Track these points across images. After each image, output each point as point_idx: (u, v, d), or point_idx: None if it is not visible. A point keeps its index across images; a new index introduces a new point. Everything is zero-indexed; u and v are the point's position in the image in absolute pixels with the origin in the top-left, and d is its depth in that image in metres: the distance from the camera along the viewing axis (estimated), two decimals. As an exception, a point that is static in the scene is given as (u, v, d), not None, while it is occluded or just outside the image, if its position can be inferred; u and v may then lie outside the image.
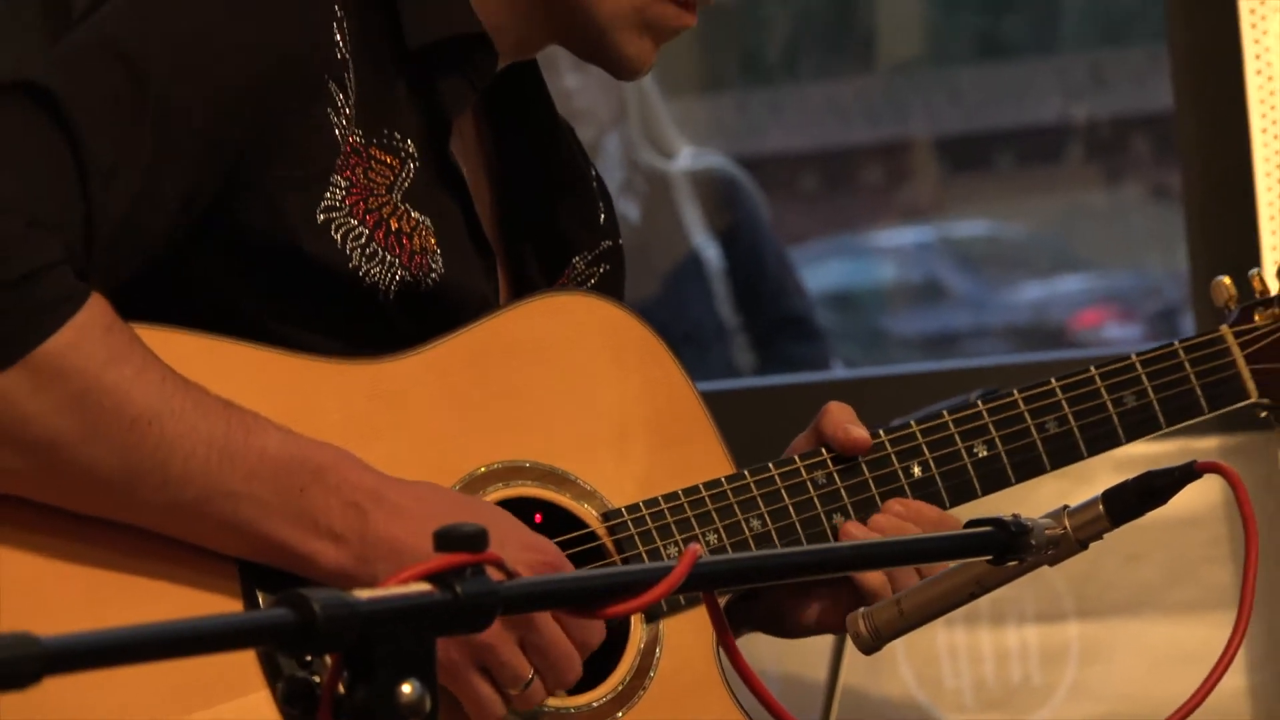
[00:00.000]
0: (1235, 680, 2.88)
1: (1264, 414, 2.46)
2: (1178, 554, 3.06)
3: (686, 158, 5.02)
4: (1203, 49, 3.08)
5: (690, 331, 4.76)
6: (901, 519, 2.39)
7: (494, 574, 1.76)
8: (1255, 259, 2.96)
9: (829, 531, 2.39)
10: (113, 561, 2.21)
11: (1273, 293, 2.47)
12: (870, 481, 2.41)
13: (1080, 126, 7.17)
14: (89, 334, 2.16)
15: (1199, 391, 2.44)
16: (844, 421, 2.42)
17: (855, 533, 2.38)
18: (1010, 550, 2.08)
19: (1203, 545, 3.05)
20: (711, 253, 4.93)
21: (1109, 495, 2.18)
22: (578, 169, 2.53)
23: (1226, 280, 2.46)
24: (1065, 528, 2.18)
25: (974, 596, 2.32)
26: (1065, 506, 2.19)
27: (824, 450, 2.41)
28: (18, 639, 1.58)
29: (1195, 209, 3.13)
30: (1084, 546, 2.20)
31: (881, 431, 2.42)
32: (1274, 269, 2.48)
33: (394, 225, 2.33)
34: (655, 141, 4.98)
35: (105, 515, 2.20)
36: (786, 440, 2.44)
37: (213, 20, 2.28)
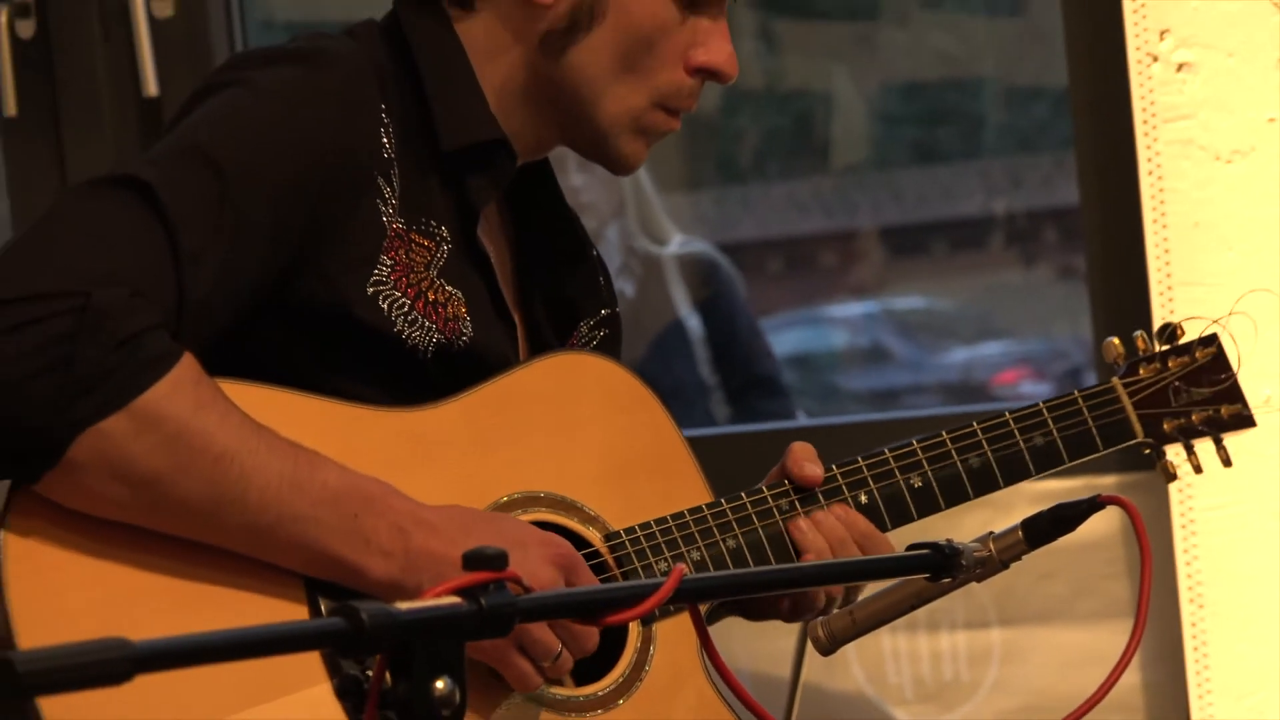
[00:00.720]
0: (1132, 677, 2.87)
1: (1148, 451, 2.45)
2: (1083, 572, 3.05)
3: (675, 244, 5.00)
4: (1104, 155, 3.08)
5: (675, 388, 4.74)
6: (839, 520, 2.36)
7: (513, 588, 1.76)
8: (1147, 328, 2.95)
9: (791, 548, 2.37)
10: (199, 576, 2.20)
11: (1154, 350, 2.46)
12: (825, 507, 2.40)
13: (1000, 219, 7.17)
14: (181, 386, 2.15)
15: (1095, 432, 2.43)
16: (802, 459, 2.40)
17: (803, 525, 2.36)
18: (945, 569, 2.07)
19: (1104, 565, 3.04)
20: (694, 322, 4.91)
21: (1027, 523, 2.17)
22: (581, 248, 2.52)
23: (1115, 340, 2.45)
24: (990, 550, 2.17)
25: (914, 608, 2.31)
26: (990, 533, 2.18)
27: (787, 482, 2.40)
28: (113, 643, 1.58)
29: (1097, 287, 3.13)
30: (1006, 566, 2.19)
31: (834, 466, 2.41)
32: (1154, 331, 2.47)
33: (431, 297, 2.32)
34: (649, 230, 4.96)
35: (195, 538, 2.19)
36: (756, 478, 2.43)
37: (280, 130, 2.26)
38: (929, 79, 6.94)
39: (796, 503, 2.38)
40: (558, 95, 2.38)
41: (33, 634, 2.12)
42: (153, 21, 3.45)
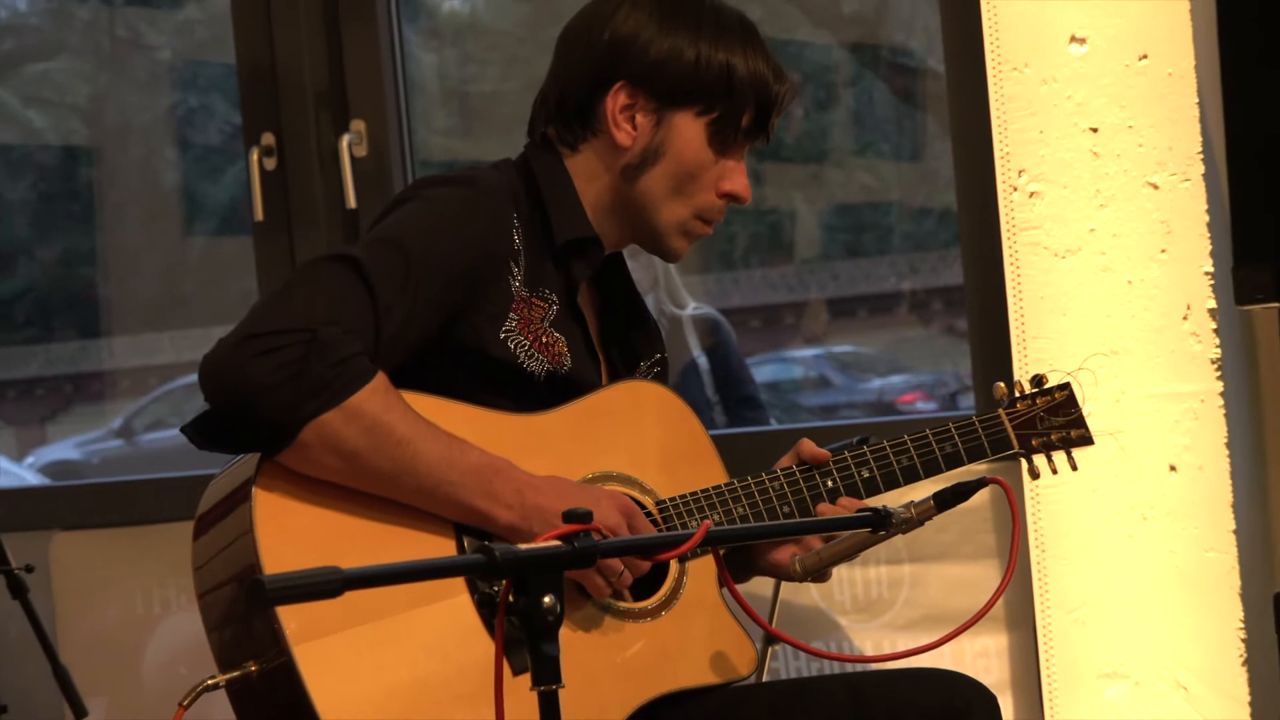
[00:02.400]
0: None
1: (1021, 458, 2.42)
2: (967, 526, 3.01)
3: (690, 308, 4.96)
4: (980, 251, 3.05)
5: (690, 404, 4.69)
6: (844, 507, 2.33)
7: (596, 535, 1.73)
8: (1008, 370, 2.92)
9: (780, 513, 2.32)
10: (385, 522, 2.16)
11: (1026, 392, 2.43)
12: (803, 488, 2.34)
13: (905, 294, 7.15)
14: (376, 393, 2.13)
15: (986, 444, 2.39)
16: (812, 449, 2.35)
17: (823, 507, 2.32)
18: (881, 526, 2.04)
19: (979, 522, 3.00)
20: (703, 360, 4.88)
21: (937, 495, 2.14)
22: (643, 313, 2.48)
23: (1001, 384, 2.42)
24: (912, 514, 2.13)
25: (860, 551, 2.27)
26: (911, 501, 2.15)
27: (779, 470, 2.36)
28: (329, 570, 1.60)
29: (975, 340, 3.08)
30: (921, 524, 2.15)
31: (812, 466, 2.37)
32: (1027, 379, 2.44)
33: (544, 340, 2.29)
34: (673, 298, 4.92)
35: (383, 495, 2.16)
36: (746, 465, 2.39)
37: (446, 230, 2.23)
38: (857, 202, 6.95)
39: (784, 484, 2.34)
40: (631, 208, 2.35)
41: (274, 562, 2.09)
42: (353, 159, 3.45)
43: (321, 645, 2.06)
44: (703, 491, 2.31)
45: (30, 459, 7.35)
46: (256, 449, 2.14)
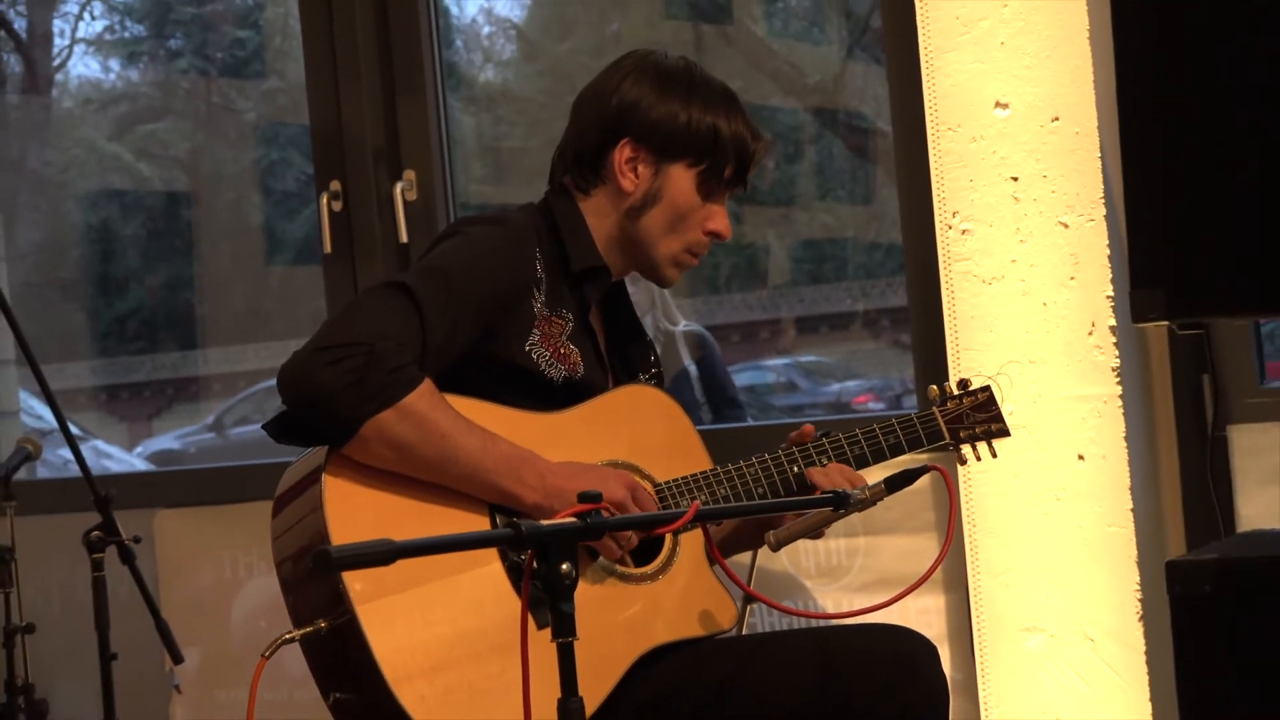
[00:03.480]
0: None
1: (951, 447, 2.40)
2: (912, 506, 2.99)
3: (681, 325, 4.93)
4: (921, 278, 3.03)
5: (681, 405, 4.65)
6: (837, 471, 2.30)
7: (605, 513, 1.72)
8: (945, 376, 2.90)
9: (755, 494, 2.31)
10: (430, 501, 2.15)
11: (954, 394, 2.41)
12: (774, 473, 2.33)
13: (859, 313, 7.13)
14: (424, 395, 2.11)
15: (922, 436, 2.38)
16: (802, 434, 2.34)
17: (816, 472, 2.29)
18: (842, 505, 2.02)
19: (923, 502, 2.99)
20: (692, 369, 4.85)
21: (888, 480, 2.13)
22: (641, 332, 2.47)
23: (935, 387, 2.41)
24: (867, 495, 2.12)
25: (824, 527, 2.25)
26: (866, 485, 2.13)
27: (754, 458, 2.34)
28: (383, 542, 1.58)
29: (918, 351, 3.07)
30: (874, 504, 2.14)
31: (779, 451, 2.36)
32: (954, 383, 2.42)
33: (563, 351, 2.28)
34: (668, 317, 4.89)
35: (428, 480, 2.14)
36: (730, 455, 2.37)
37: (482, 262, 2.23)
38: (818, 237, 6.95)
39: (759, 470, 2.33)
40: (633, 243, 2.35)
41: (338, 535, 2.08)
42: (405, 202, 3.44)
43: (379, 605, 2.05)
44: (692, 476, 2.29)
45: (139, 449, 7.38)
46: (324, 443, 2.13)
